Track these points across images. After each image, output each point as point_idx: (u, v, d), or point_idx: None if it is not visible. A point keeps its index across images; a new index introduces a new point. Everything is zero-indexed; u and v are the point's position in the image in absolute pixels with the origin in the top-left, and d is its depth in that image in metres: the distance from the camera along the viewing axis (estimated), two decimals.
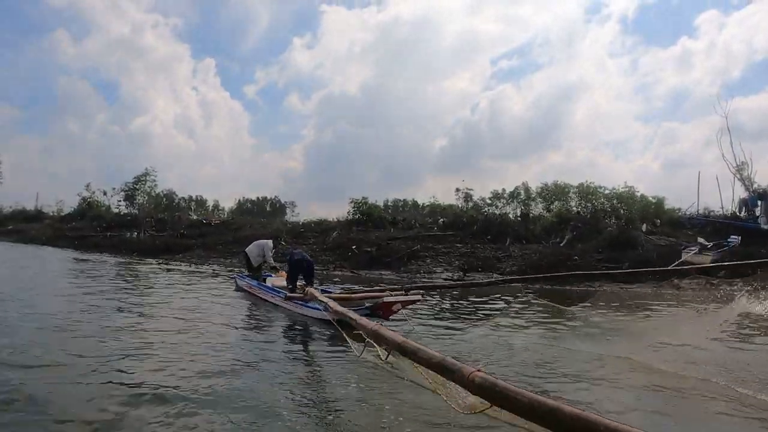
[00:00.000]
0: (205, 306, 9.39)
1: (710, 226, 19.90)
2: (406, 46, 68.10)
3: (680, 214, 21.99)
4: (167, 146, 69.68)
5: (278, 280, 10.43)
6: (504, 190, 27.21)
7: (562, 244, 20.00)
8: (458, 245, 21.84)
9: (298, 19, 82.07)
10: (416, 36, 67.82)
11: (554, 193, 25.05)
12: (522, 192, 26.68)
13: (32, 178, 63.52)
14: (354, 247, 22.10)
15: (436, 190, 65.85)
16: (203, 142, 72.47)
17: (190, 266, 19.72)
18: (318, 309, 7.56)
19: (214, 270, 18.43)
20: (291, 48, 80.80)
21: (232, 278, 13.16)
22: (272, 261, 12.21)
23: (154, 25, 75.12)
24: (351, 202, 26.40)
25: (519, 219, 23.69)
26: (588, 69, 67.01)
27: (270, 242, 12.81)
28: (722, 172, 22.35)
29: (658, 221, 20.28)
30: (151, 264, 19.83)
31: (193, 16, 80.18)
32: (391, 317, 7.84)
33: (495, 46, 74.69)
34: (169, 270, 17.81)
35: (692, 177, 26.61)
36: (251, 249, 12.48)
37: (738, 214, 20.57)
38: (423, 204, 32.52)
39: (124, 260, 21.05)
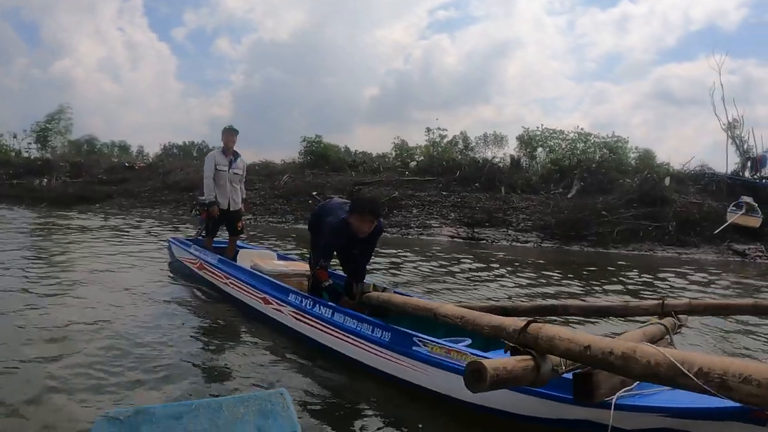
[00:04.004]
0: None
1: (714, 185, 17.60)
2: None
3: (683, 169, 19.49)
4: (91, 91, 63.68)
5: (264, 258, 5.52)
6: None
7: (570, 196, 16.80)
8: (444, 193, 18.09)
9: None
10: None
11: (540, 139, 21.85)
12: (460, 141, 24.86)
13: None
14: (315, 193, 17.63)
15: (366, 140, 63.08)
16: (129, 87, 67.96)
17: (107, 220, 14.69)
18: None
19: (135, 222, 13.18)
20: None
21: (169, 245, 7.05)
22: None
23: None
24: (303, 141, 21.70)
25: (507, 166, 20.12)
26: (525, 26, 65.57)
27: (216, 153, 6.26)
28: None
29: (668, 178, 17.53)
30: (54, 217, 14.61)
31: None
32: None
33: None
34: (69, 228, 12.38)
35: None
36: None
37: (741, 174, 18.50)
38: (355, 151, 28.57)
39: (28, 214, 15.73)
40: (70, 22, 69.04)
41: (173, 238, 6.92)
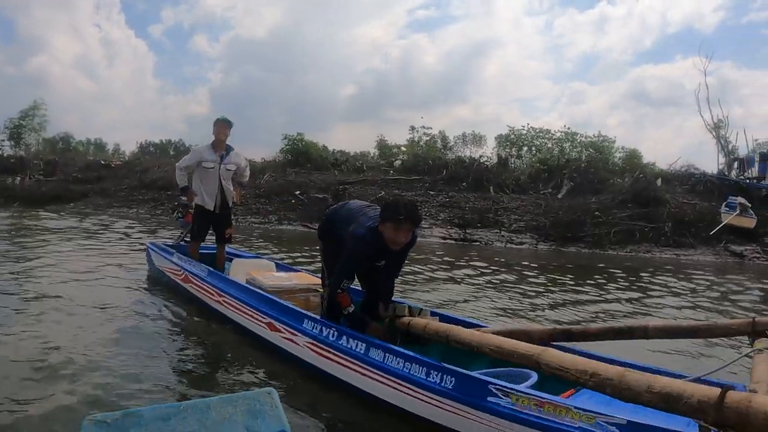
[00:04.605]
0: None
1: (701, 185, 17.50)
2: None
3: (670, 170, 19.40)
4: (66, 88, 62.71)
5: (261, 270, 4.75)
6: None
7: (560, 196, 16.42)
8: (431, 193, 17.52)
9: None
10: None
11: (526, 139, 21.54)
12: (439, 140, 24.68)
13: None
14: (299, 193, 16.82)
15: (344, 138, 62.82)
16: (105, 84, 66.36)
17: (82, 220, 13.58)
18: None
19: (111, 222, 12.11)
20: None
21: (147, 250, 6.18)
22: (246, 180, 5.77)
23: None
24: (284, 138, 20.90)
25: (495, 165, 19.64)
26: (503, 26, 66.02)
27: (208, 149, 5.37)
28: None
29: (660, 179, 17.35)
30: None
31: None
32: None
33: None
34: (39, 229, 11.31)
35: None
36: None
37: (726, 174, 18.46)
38: (333, 150, 27.94)
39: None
40: (46, 17, 67.74)
41: (152, 244, 6.05)
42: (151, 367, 3.20)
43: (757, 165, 16.99)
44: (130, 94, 66.40)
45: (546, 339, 3.00)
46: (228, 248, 5.74)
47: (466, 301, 5.85)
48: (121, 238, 10.00)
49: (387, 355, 2.71)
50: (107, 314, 4.36)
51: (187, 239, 5.67)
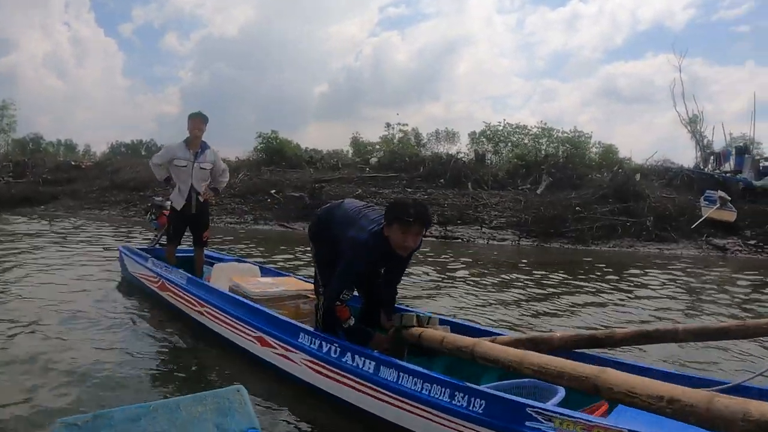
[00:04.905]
0: None
1: (678, 179, 17.73)
2: None
3: (646, 164, 19.60)
4: (36, 87, 61.35)
5: (245, 276, 4.38)
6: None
7: (539, 191, 16.35)
8: (409, 190, 17.28)
9: None
10: None
11: (502, 135, 21.49)
12: (412, 137, 24.64)
13: None
14: (274, 191, 16.34)
15: (317, 137, 62.42)
16: (75, 83, 63.24)
17: (50, 223, 12.85)
18: None
19: (82, 225, 11.38)
20: None
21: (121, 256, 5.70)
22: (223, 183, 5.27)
23: None
24: (258, 137, 20.37)
25: (472, 162, 19.48)
26: (475, 24, 66.50)
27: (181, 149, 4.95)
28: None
29: (638, 174, 17.46)
30: None
31: None
32: None
33: None
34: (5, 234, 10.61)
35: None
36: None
37: (702, 168, 18.75)
38: (306, 148, 27.50)
39: None
40: (15, 15, 64.45)
41: (124, 248, 5.57)
42: (122, 370, 3.12)
43: (733, 159, 17.28)
44: (101, 93, 65.07)
45: (569, 346, 2.74)
46: (207, 251, 5.32)
47: (456, 298, 5.56)
48: (93, 241, 9.38)
49: (401, 374, 2.36)
50: (78, 321, 4.07)
51: (163, 242, 5.24)
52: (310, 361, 2.76)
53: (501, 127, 21.76)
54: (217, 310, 3.61)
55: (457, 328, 3.02)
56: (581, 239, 12.32)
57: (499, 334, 2.94)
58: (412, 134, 24.92)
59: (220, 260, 5.29)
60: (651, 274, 8.07)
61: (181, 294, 4.13)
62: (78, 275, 5.92)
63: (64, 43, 66.87)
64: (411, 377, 2.33)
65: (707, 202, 13.35)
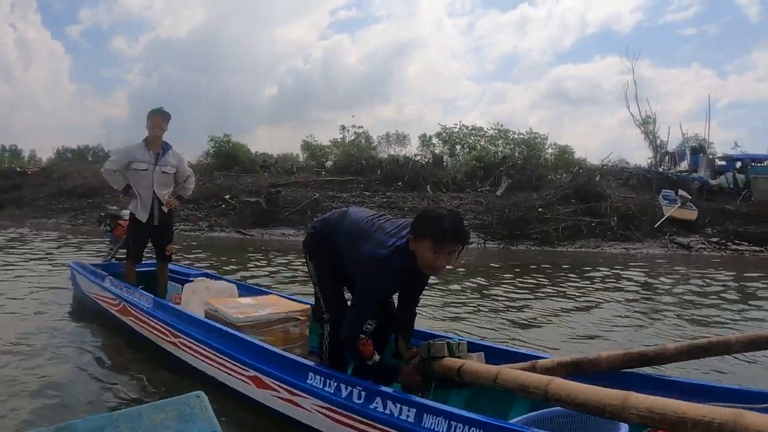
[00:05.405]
0: None
1: (634, 179, 18.23)
2: None
3: (603, 165, 20.06)
4: None
5: (221, 297, 3.75)
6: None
7: (499, 193, 16.31)
8: (367, 193, 16.87)
9: None
10: None
11: (458, 136, 21.48)
12: (363, 140, 24.30)
13: None
14: (228, 197, 15.52)
15: (267, 140, 61.28)
16: (20, 87, 58.94)
17: None
18: None
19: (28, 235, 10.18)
20: None
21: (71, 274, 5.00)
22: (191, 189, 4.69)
23: None
24: (210, 140, 19.45)
25: (429, 164, 19.30)
26: (426, 27, 67.24)
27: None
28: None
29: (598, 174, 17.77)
30: None
31: None
32: None
33: None
34: None
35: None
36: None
37: (658, 168, 19.39)
38: (256, 152, 26.76)
39: None
40: None
41: (76, 264, 4.80)
42: (80, 385, 2.96)
43: (688, 158, 17.91)
44: (47, 97, 61.57)
45: (618, 366, 2.40)
46: (170, 265, 4.65)
47: (433, 307, 5.18)
48: (42, 255, 8.36)
49: (452, 422, 1.90)
50: (30, 340, 3.65)
51: (119, 256, 4.54)
52: (327, 408, 2.24)
53: (457, 129, 21.68)
54: (195, 342, 3.02)
55: (492, 352, 2.60)
56: (547, 241, 12.29)
57: (539, 357, 2.55)
58: (363, 137, 24.57)
59: (187, 276, 4.64)
60: (625, 274, 8.00)
61: (147, 320, 3.49)
62: (22, 294, 5.12)
63: (9, 45, 62.77)
64: (468, 427, 1.87)
65: (666, 201, 13.68)
